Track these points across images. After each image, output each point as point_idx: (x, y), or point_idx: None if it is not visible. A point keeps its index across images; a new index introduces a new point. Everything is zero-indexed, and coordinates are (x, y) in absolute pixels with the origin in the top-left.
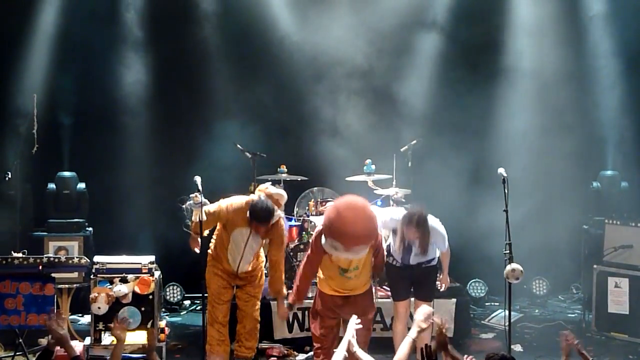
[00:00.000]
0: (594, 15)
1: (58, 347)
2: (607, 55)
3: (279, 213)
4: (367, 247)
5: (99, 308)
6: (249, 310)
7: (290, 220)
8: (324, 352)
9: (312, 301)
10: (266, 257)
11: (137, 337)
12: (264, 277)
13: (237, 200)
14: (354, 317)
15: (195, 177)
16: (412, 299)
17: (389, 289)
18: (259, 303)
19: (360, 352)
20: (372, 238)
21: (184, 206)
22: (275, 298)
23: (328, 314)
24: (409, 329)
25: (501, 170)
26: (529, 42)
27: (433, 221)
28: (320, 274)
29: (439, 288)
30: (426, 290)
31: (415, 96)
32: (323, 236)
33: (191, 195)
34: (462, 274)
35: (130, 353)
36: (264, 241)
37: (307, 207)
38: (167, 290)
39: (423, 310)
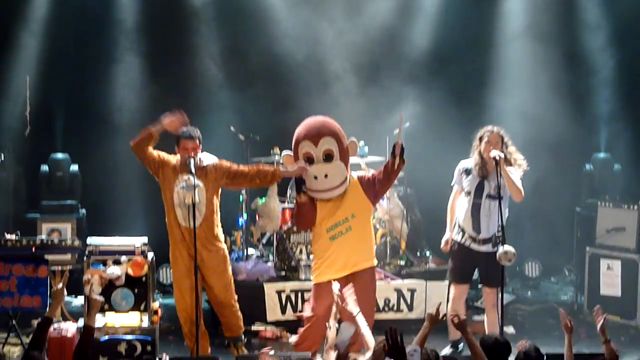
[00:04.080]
0: None
1: (52, 328)
2: (601, 36)
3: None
4: (332, 139)
5: (92, 290)
6: (223, 298)
7: (283, 202)
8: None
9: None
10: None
11: (130, 319)
12: (222, 242)
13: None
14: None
15: (188, 159)
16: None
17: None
18: (230, 286)
19: (362, 322)
20: (333, 128)
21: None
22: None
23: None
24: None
25: (494, 153)
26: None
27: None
28: (313, 262)
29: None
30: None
31: (407, 78)
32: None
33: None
34: (443, 251)
35: (122, 334)
36: (206, 187)
37: None
38: (160, 272)
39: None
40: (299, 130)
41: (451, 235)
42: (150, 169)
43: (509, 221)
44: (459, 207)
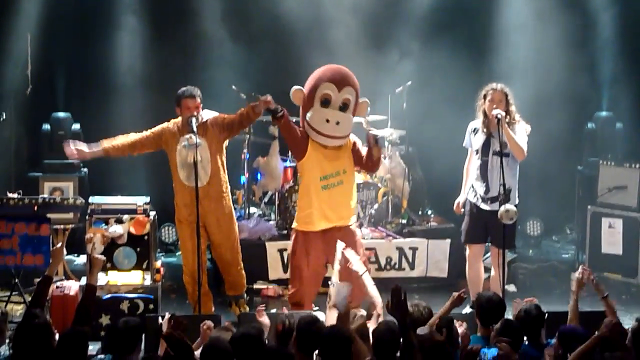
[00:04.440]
0: None
1: (55, 287)
2: None
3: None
4: (353, 90)
5: (94, 248)
6: (229, 257)
7: (285, 161)
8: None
9: None
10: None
11: (133, 278)
12: (230, 200)
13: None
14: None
15: (190, 118)
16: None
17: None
18: (237, 244)
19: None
20: (356, 81)
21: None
22: None
23: (309, 256)
24: None
25: (496, 112)
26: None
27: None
28: (299, 206)
29: None
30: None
31: (410, 36)
32: (308, 116)
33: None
34: (457, 215)
35: (125, 293)
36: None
37: None
38: (162, 230)
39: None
40: (323, 71)
41: (465, 196)
42: (155, 149)
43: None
44: (472, 168)
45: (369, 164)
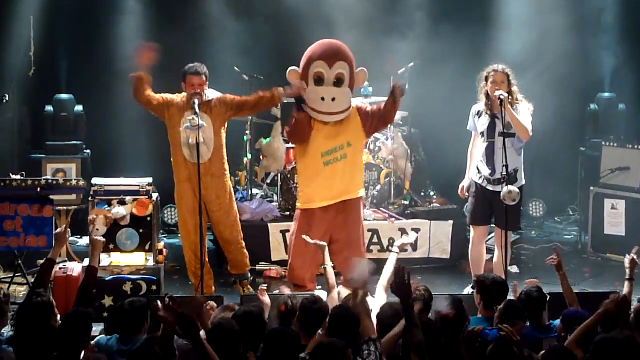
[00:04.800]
0: None
1: (57, 268)
2: None
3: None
4: (346, 64)
5: (97, 230)
6: (229, 235)
7: (287, 142)
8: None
9: None
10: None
11: (135, 259)
12: (229, 178)
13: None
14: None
15: (193, 99)
16: None
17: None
18: (237, 222)
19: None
20: (348, 53)
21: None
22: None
23: (311, 234)
24: None
25: (498, 93)
26: None
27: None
28: (300, 185)
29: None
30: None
31: (413, 18)
32: (305, 96)
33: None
34: (460, 197)
35: (128, 274)
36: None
37: None
38: (165, 212)
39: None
40: (314, 49)
41: (469, 180)
42: (155, 112)
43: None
44: (477, 151)
45: (385, 114)
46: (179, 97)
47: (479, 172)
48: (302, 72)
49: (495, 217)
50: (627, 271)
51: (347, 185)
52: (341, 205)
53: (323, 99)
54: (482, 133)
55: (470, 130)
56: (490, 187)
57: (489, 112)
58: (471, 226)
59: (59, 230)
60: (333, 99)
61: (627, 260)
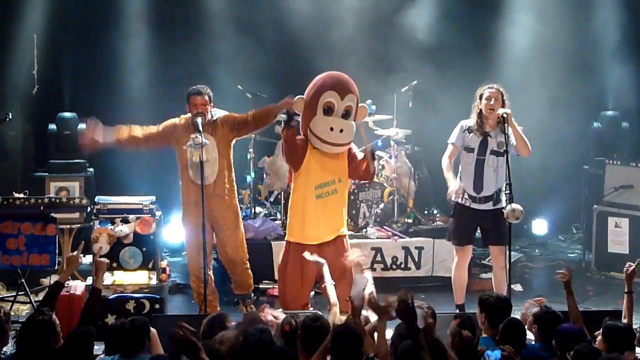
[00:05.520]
0: None
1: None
2: None
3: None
4: (355, 97)
5: (100, 248)
6: (235, 256)
7: None
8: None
9: None
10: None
11: (139, 277)
12: (236, 199)
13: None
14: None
15: (196, 117)
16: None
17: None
18: (242, 244)
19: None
20: (356, 88)
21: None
22: None
23: (303, 269)
24: None
25: (501, 111)
26: None
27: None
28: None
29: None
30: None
31: (416, 35)
32: (311, 124)
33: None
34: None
35: (131, 292)
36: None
37: None
38: (168, 230)
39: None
40: (325, 79)
41: (459, 183)
42: (162, 143)
43: (519, 178)
44: (461, 167)
45: (365, 174)
46: (182, 120)
47: (462, 192)
48: (311, 100)
49: (486, 236)
50: (626, 283)
51: (335, 222)
52: (332, 241)
53: (332, 129)
54: (472, 149)
55: (451, 143)
56: (474, 206)
57: (479, 130)
58: (455, 247)
59: (71, 254)
60: (341, 130)
61: (624, 273)
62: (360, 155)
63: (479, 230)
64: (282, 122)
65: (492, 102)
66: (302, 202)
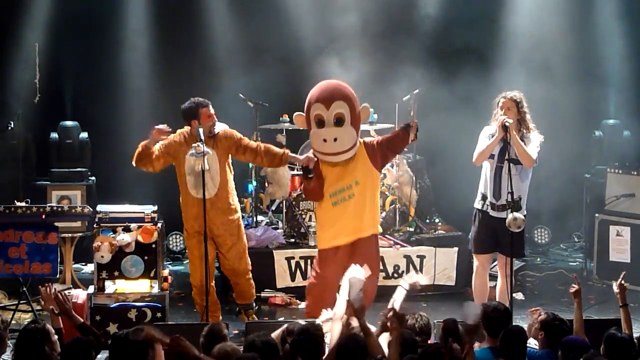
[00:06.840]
0: None
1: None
2: (613, 5)
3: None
4: (344, 103)
5: (102, 257)
6: (236, 265)
7: (292, 169)
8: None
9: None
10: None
11: (140, 286)
12: (238, 211)
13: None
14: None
15: (198, 127)
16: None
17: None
18: (245, 255)
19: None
20: (346, 92)
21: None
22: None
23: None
24: None
25: (502, 118)
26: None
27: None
28: (316, 226)
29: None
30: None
31: (418, 44)
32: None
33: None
34: (465, 223)
35: (132, 301)
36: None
37: None
38: (170, 239)
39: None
40: (312, 92)
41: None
42: (166, 164)
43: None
44: (483, 173)
45: (395, 144)
46: (177, 135)
47: (483, 198)
48: (306, 117)
49: (499, 245)
50: (619, 298)
51: (357, 225)
52: (354, 245)
53: (325, 140)
54: (492, 155)
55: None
56: (493, 213)
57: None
58: (474, 255)
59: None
60: (335, 139)
61: (615, 287)
62: (379, 140)
63: None
64: (302, 176)
65: (502, 112)
66: (320, 211)
